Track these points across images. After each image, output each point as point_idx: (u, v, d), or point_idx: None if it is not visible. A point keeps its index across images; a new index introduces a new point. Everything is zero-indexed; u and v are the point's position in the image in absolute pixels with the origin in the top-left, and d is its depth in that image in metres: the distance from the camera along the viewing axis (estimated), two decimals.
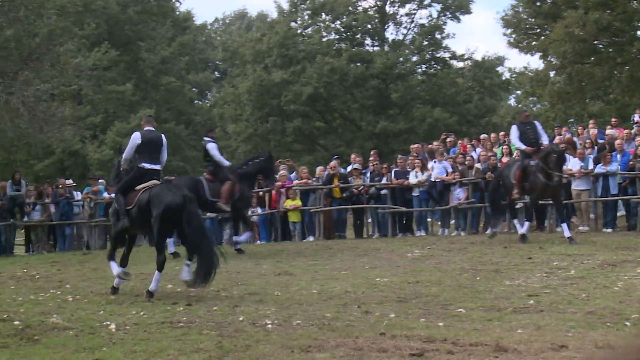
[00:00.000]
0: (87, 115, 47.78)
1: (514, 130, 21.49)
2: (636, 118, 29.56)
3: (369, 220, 27.10)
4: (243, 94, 50.74)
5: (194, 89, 63.37)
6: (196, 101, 64.32)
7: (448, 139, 29.02)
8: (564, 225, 20.66)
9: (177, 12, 58.98)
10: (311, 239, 25.96)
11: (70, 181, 30.67)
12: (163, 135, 15.87)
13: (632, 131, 27.06)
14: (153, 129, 15.76)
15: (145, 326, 11.54)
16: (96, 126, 48.02)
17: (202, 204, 20.90)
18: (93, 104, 49.40)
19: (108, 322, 11.83)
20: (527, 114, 22.37)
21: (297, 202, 26.27)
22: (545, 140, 21.41)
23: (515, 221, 22.32)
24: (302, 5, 54.10)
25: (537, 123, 22.06)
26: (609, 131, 27.61)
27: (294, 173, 28.12)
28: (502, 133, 29.49)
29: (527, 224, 21.33)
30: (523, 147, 21.10)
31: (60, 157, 47.60)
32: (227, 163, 22.26)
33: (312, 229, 26.49)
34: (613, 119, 29.71)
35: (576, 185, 24.20)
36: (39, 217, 28.59)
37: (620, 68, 35.22)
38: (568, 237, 20.13)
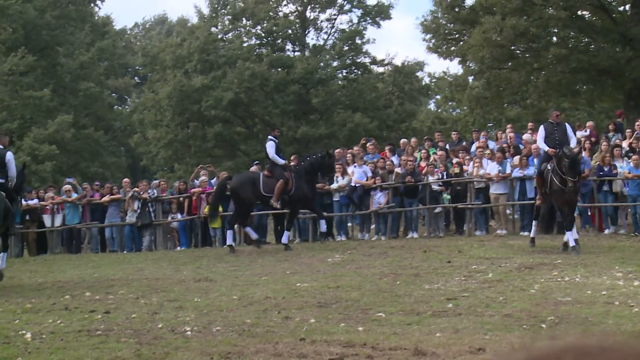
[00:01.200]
0: (4, 121, 47.01)
1: (541, 130, 20.45)
2: None
3: None
4: (163, 99, 50.34)
5: (113, 95, 62.81)
6: (115, 107, 63.75)
7: (368, 144, 29.11)
8: (569, 234, 19.36)
9: (96, 17, 58.35)
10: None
11: None
12: (9, 153, 17.68)
13: None
14: (2, 147, 17.61)
15: (62, 335, 11.38)
16: (13, 132, 47.20)
17: (258, 197, 23.18)
18: (9, 110, 48.59)
19: (23, 331, 11.65)
20: (557, 114, 20.72)
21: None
22: (574, 143, 20.15)
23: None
24: (223, 11, 53.88)
25: (567, 125, 20.67)
26: (525, 136, 27.94)
27: (214, 179, 27.97)
28: (426, 137, 29.70)
29: (569, 233, 19.45)
30: (546, 148, 19.92)
31: None
32: (281, 161, 23.23)
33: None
34: (530, 124, 30.09)
35: (494, 189, 24.48)
36: None
37: (537, 73, 35.67)
38: (572, 246, 19.13)
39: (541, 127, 20.62)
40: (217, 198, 24.20)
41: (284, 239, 23.27)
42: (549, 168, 19.53)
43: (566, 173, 18.72)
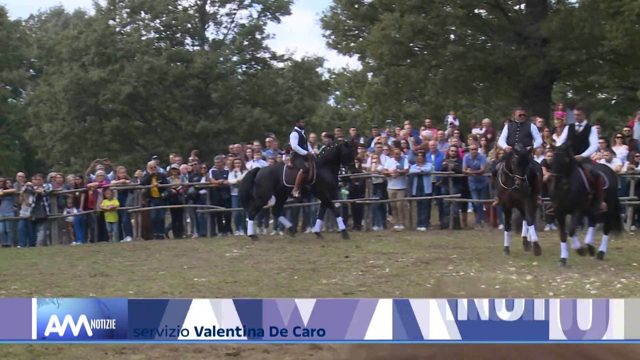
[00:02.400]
0: None
1: (504, 130, 19.56)
2: (450, 119, 30.37)
3: (188, 220, 26.96)
4: (59, 92, 49.56)
5: (7, 87, 61.57)
6: (10, 99, 62.50)
7: (268, 139, 29.08)
8: (531, 229, 18.27)
9: None
10: (129, 239, 25.61)
11: None
12: None
13: (446, 132, 27.82)
14: None
15: None
16: None
17: (279, 188, 22.93)
18: None
19: None
20: (521, 113, 19.48)
21: (114, 202, 25.88)
22: (538, 143, 19.64)
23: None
24: (121, 3, 53.29)
25: (533, 125, 19.89)
26: (423, 132, 28.26)
27: (111, 173, 27.68)
28: (323, 133, 29.72)
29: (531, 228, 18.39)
30: (504, 146, 18.99)
31: None
32: (302, 152, 22.88)
33: (129, 229, 26.15)
34: (427, 120, 30.42)
35: (392, 185, 24.71)
36: None
37: (435, 70, 36.01)
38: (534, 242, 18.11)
39: (505, 126, 19.85)
40: (244, 187, 23.79)
41: (317, 228, 22.97)
42: (500, 167, 18.69)
43: (514, 170, 17.77)
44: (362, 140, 28.77)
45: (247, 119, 49.12)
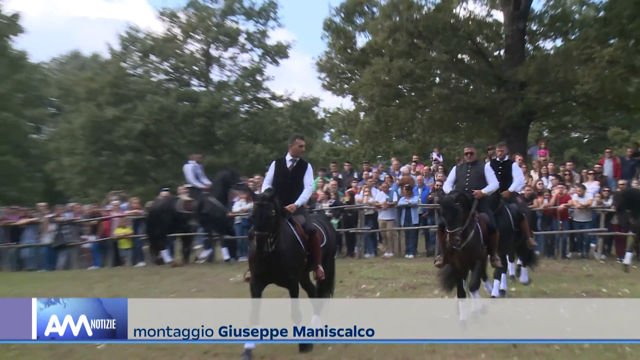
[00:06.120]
0: None
1: (451, 174, 15.44)
2: (434, 156, 30.51)
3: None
4: (77, 129, 49.80)
5: (30, 124, 61.75)
6: (32, 135, 62.64)
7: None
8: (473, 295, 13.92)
9: (11, 51, 57.12)
10: (142, 264, 25.70)
11: None
12: None
13: (431, 168, 27.97)
14: None
15: None
16: None
17: None
18: None
19: None
20: (470, 152, 15.13)
21: (128, 230, 26.02)
22: (490, 188, 14.67)
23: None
24: (133, 47, 53.58)
25: (487, 165, 15.06)
26: (402, 168, 28.23)
27: (126, 203, 27.79)
28: (321, 167, 29.84)
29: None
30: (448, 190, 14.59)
31: None
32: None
33: (142, 255, 26.24)
34: (414, 157, 30.51)
35: (382, 216, 24.87)
36: None
37: (421, 111, 36.14)
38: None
39: (452, 170, 15.52)
40: None
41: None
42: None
43: (445, 223, 13.28)
44: (355, 175, 28.92)
45: (250, 154, 49.33)
